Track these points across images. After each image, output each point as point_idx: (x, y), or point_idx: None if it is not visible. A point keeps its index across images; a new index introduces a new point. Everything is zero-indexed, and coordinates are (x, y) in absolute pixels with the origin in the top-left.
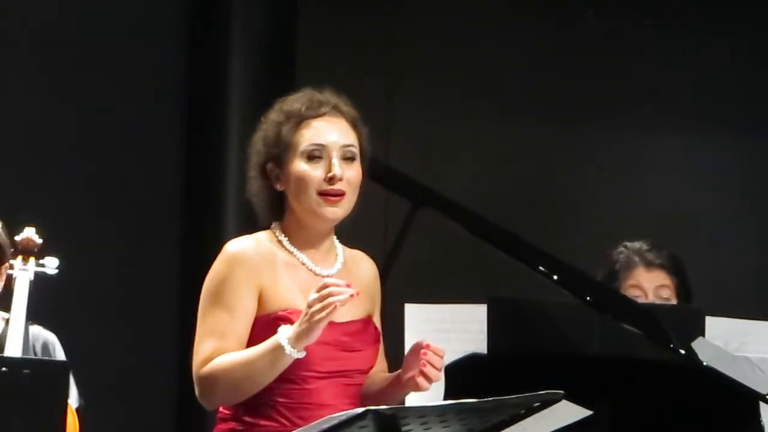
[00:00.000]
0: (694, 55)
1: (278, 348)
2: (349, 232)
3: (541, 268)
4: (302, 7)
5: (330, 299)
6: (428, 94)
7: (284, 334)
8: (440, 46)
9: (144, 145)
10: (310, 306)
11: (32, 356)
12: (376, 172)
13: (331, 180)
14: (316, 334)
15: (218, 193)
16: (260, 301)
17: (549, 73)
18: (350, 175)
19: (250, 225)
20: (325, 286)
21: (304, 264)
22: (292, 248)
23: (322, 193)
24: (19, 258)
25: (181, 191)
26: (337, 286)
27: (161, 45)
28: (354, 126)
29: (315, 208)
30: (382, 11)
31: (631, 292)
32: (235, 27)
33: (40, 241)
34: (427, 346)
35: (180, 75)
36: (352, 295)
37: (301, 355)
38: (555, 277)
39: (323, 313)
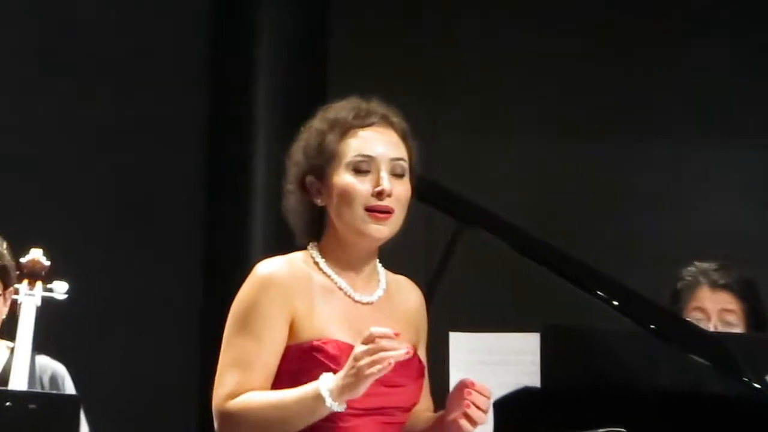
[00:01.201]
0: (741, 64)
1: (318, 398)
2: (389, 254)
3: (600, 293)
4: (333, 18)
5: (382, 354)
6: (471, 106)
7: (326, 384)
8: (482, 58)
9: (161, 157)
10: (357, 359)
11: (39, 390)
12: (418, 187)
13: (379, 195)
14: (363, 390)
15: (245, 209)
16: (292, 329)
17: (595, 85)
18: (399, 191)
19: (279, 245)
20: (372, 338)
21: (341, 289)
22: (329, 271)
23: (369, 209)
24: (25, 282)
25: (204, 208)
26: (388, 337)
27: (182, 55)
28: (404, 139)
29: (359, 225)
30: (422, 22)
31: (694, 315)
32: (262, 37)
33: (47, 263)
34: (472, 385)
35: (203, 85)
36: (408, 351)
37: (342, 408)
38: (615, 303)
39: (374, 369)
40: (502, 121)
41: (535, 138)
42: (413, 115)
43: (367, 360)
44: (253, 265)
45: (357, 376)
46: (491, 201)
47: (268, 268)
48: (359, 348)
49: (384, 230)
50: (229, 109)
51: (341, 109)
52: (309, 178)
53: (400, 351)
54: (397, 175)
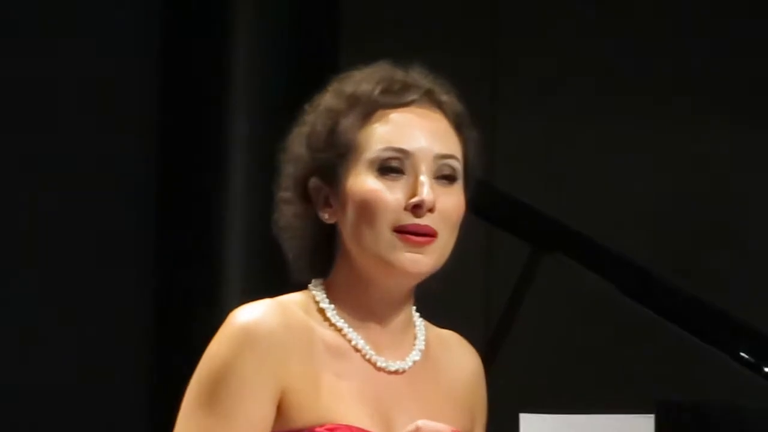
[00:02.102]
0: None
1: None
2: (431, 296)
3: (744, 355)
4: None
5: None
6: (546, 86)
7: None
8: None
9: (93, 145)
10: None
11: None
12: (475, 197)
13: (416, 209)
14: None
15: (215, 227)
16: (282, 406)
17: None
18: (446, 204)
19: (264, 282)
20: None
21: (358, 350)
22: (340, 323)
23: (401, 230)
24: None
25: (155, 225)
26: None
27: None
28: (458, 128)
29: (386, 254)
30: None
31: None
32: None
33: None
34: None
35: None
36: None
37: None
38: (766, 370)
39: None
40: (594, 97)
41: (646, 121)
42: (461, 88)
43: None
44: (227, 312)
45: None
46: (579, 216)
47: (248, 316)
48: None
49: (423, 262)
50: (194, 82)
51: (365, 79)
52: (314, 182)
53: None
54: (445, 178)
